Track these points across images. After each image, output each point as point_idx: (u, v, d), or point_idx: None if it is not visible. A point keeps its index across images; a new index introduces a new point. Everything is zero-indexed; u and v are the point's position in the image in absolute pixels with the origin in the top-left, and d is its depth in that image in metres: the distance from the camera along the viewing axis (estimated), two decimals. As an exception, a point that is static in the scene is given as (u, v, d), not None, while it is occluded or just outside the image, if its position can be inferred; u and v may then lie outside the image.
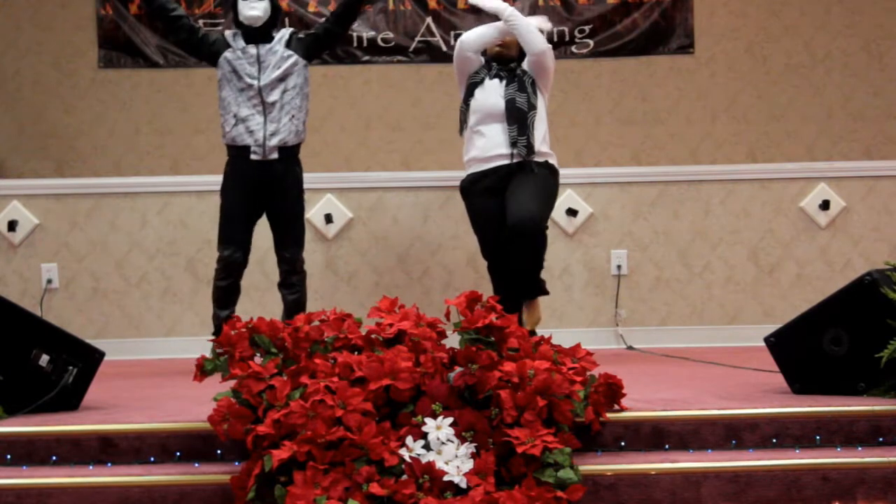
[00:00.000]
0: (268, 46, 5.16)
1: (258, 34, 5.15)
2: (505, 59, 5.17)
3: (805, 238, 6.22)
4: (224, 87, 5.17)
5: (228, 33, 5.24)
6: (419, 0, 7.35)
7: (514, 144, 4.98)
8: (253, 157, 5.11)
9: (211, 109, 7.18)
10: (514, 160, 5.01)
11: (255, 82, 5.10)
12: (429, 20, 7.36)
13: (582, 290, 6.20)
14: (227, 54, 5.15)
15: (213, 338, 5.04)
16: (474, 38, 5.16)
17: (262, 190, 5.17)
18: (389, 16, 7.35)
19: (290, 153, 5.18)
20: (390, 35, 7.35)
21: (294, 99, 5.16)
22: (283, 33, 5.23)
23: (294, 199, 5.23)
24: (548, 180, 5.08)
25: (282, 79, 5.13)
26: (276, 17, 5.21)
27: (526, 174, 5.00)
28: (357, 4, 5.25)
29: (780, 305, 6.14)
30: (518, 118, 4.99)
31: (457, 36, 7.31)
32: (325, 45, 5.34)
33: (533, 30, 5.10)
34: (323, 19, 5.33)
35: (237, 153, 5.15)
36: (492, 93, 5.07)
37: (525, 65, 5.17)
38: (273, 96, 5.11)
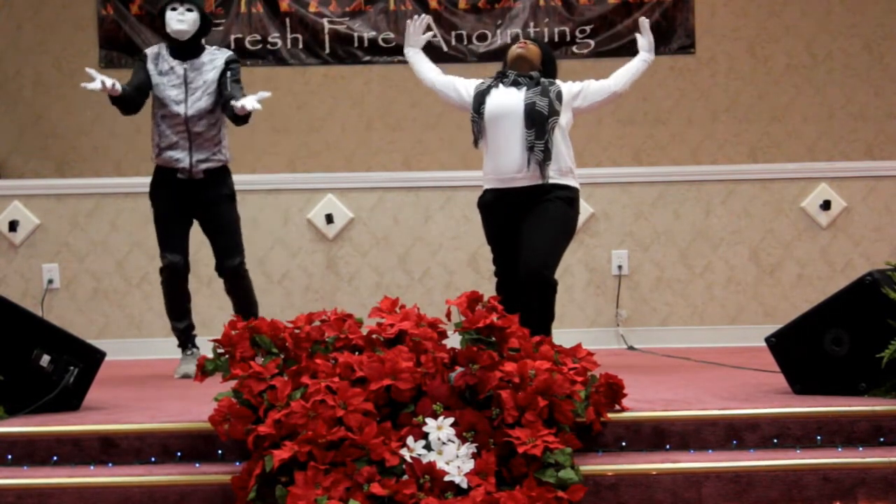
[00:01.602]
0: (196, 65, 5.00)
1: (186, 48, 4.99)
2: (525, 66, 4.91)
3: (806, 238, 6.22)
4: (153, 114, 5.04)
5: (151, 52, 5.05)
6: (420, 0, 7.35)
7: (531, 149, 4.71)
8: (179, 175, 5.00)
9: (212, 110, 7.20)
10: (531, 177, 4.74)
11: (181, 111, 4.95)
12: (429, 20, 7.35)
13: (583, 291, 6.20)
14: (156, 79, 4.98)
15: (184, 351, 5.06)
16: (421, 71, 5.08)
17: (191, 200, 5.04)
18: (390, 16, 7.35)
19: (218, 170, 5.08)
20: (391, 35, 7.35)
21: (221, 129, 5.05)
22: (219, 58, 5.03)
23: (227, 207, 5.08)
24: (566, 214, 4.80)
25: (210, 111, 4.99)
26: (205, 29, 5.04)
27: (544, 206, 4.74)
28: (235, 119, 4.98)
29: (781, 306, 6.14)
30: (537, 121, 4.71)
31: (457, 36, 7.35)
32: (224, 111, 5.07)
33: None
34: (234, 97, 4.87)
35: (165, 171, 5.04)
36: (508, 97, 4.81)
37: (579, 84, 4.95)
38: (199, 127, 4.98)
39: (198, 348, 5.11)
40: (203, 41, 5.07)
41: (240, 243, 5.11)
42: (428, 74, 5.08)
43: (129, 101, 4.98)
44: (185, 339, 5.10)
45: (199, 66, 5.00)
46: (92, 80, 4.74)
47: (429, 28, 5.19)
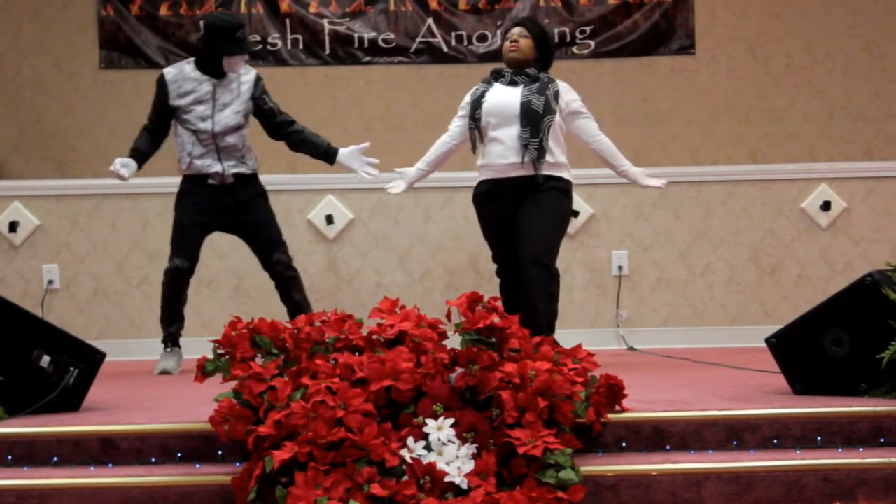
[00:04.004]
0: (224, 82, 5.11)
1: (217, 66, 5.10)
2: (521, 64, 4.98)
3: (806, 239, 6.22)
4: (178, 126, 5.15)
5: (170, 75, 5.12)
6: (420, 1, 7.35)
7: (525, 147, 4.81)
8: (211, 181, 5.13)
9: (212, 110, 7.19)
10: (525, 169, 4.84)
11: (208, 127, 5.07)
12: (430, 21, 7.36)
13: (583, 291, 6.20)
14: (176, 102, 5.08)
15: (165, 347, 5.14)
16: (451, 149, 5.18)
17: (222, 206, 5.15)
18: (390, 17, 7.35)
19: (248, 175, 5.20)
20: (391, 36, 7.35)
21: (245, 140, 5.19)
22: (248, 77, 5.16)
23: (261, 206, 5.22)
24: (561, 204, 4.92)
25: (237, 127, 5.12)
26: None
27: (539, 196, 4.85)
28: (312, 156, 5.31)
29: (781, 306, 6.14)
30: (532, 120, 4.80)
31: (458, 37, 7.36)
32: (266, 127, 5.29)
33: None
34: (288, 125, 5.25)
35: (195, 179, 5.15)
36: (504, 96, 4.91)
37: (582, 106, 5.03)
38: (226, 142, 5.11)
39: (179, 347, 5.26)
40: None
41: (281, 237, 5.24)
42: (455, 144, 5.14)
43: (150, 153, 5.23)
44: (169, 338, 5.25)
45: (226, 84, 5.12)
46: (120, 177, 5.14)
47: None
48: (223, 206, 5.14)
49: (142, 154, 5.17)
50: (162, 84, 5.13)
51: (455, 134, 5.13)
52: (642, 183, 5.08)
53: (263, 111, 5.19)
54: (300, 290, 5.26)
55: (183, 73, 5.12)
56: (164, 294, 5.21)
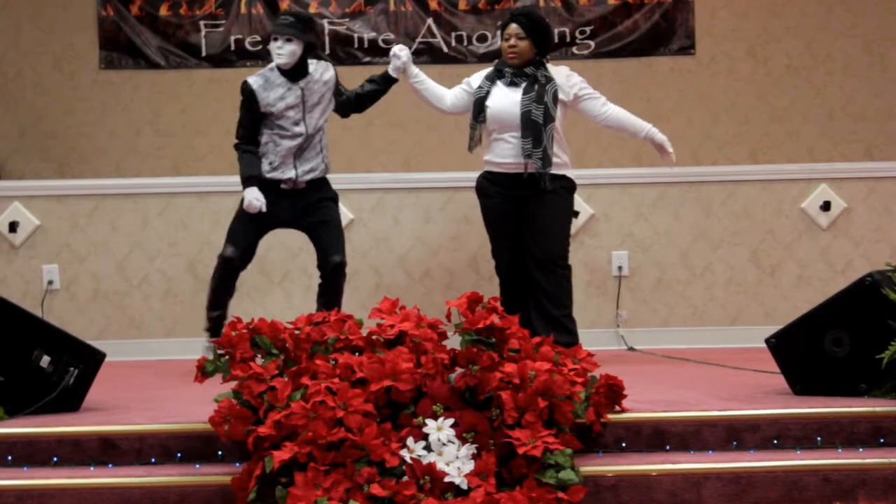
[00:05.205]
0: (310, 83, 5.12)
1: (296, 69, 5.08)
2: (518, 64, 5.11)
3: (806, 239, 6.22)
4: (264, 133, 5.10)
5: (256, 83, 5.05)
6: (420, 1, 7.35)
7: (528, 157, 4.96)
8: (283, 186, 5.12)
9: (211, 111, 7.18)
10: (529, 170, 4.99)
11: (302, 130, 5.08)
12: (430, 21, 7.36)
13: (583, 292, 6.20)
14: (268, 109, 5.04)
15: (209, 336, 5.11)
16: (437, 97, 5.38)
17: (290, 208, 5.15)
18: (390, 17, 7.35)
19: (320, 179, 5.22)
20: (391, 36, 7.35)
21: (325, 136, 5.22)
22: (329, 73, 5.21)
23: (331, 207, 5.23)
24: (566, 202, 5.13)
25: (322, 126, 5.18)
26: (310, 51, 5.15)
27: (546, 197, 5.01)
28: (380, 95, 5.46)
29: (781, 306, 6.13)
30: (534, 131, 4.95)
31: (458, 37, 7.36)
32: (343, 111, 5.37)
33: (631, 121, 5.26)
34: (353, 93, 5.37)
35: (267, 182, 5.11)
36: (506, 101, 5.05)
37: (585, 88, 5.16)
38: (312, 142, 5.15)
39: None
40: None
41: (343, 242, 5.22)
42: (445, 105, 5.33)
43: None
44: (216, 327, 5.18)
45: (311, 84, 5.13)
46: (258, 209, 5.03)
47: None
48: (292, 206, 5.14)
49: (258, 178, 5.08)
50: (249, 94, 5.04)
51: (455, 100, 5.29)
52: (660, 151, 5.27)
53: (340, 102, 5.29)
54: (341, 293, 5.26)
55: (269, 81, 5.07)
56: (212, 280, 5.22)
